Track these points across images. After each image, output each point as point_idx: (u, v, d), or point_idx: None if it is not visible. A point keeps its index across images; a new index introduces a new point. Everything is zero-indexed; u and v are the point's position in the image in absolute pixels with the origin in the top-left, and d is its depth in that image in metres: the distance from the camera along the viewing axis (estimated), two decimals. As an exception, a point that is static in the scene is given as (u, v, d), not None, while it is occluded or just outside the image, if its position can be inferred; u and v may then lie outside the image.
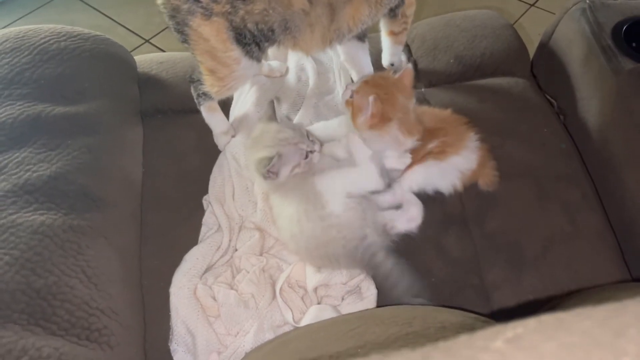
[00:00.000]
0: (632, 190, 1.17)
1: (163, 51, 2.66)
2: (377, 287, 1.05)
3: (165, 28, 2.78)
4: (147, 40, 2.74)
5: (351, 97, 1.13)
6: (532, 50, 1.57)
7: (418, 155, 1.13)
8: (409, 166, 1.13)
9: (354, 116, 1.11)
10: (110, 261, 0.99)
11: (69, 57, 1.22)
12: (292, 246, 1.07)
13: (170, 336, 1.01)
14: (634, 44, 1.29)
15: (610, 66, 1.26)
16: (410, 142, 1.11)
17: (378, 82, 1.13)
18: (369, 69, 1.36)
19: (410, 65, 1.17)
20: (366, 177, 1.06)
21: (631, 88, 1.19)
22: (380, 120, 1.08)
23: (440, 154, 1.14)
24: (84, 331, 0.88)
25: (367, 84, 1.12)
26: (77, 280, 0.92)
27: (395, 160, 1.11)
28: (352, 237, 0.99)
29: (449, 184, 1.15)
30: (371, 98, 1.05)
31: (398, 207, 1.13)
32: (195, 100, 1.24)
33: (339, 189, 1.03)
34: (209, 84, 1.16)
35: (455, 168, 1.14)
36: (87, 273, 0.94)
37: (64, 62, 1.21)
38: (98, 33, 1.32)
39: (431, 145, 1.14)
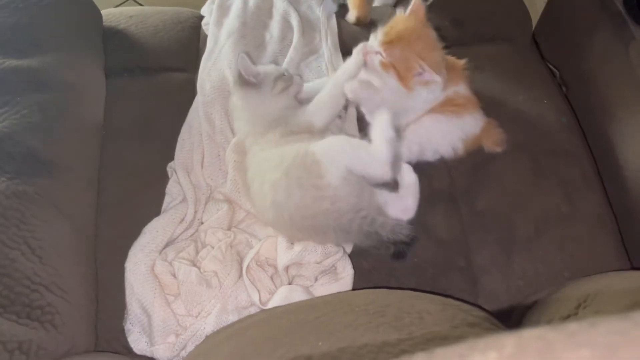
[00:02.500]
0: (636, 171, 1.08)
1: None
2: (354, 268, 0.96)
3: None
4: (130, -4, 2.59)
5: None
6: (535, 18, 1.46)
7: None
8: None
9: (402, 79, 1.01)
10: (59, 232, 0.90)
11: (24, 6, 1.10)
12: (271, 215, 0.96)
13: (125, 315, 0.93)
14: (646, 11, 1.19)
15: (620, 35, 1.16)
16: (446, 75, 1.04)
17: (401, 33, 1.02)
18: None
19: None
20: (376, 162, 0.93)
21: (642, 59, 1.08)
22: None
23: (458, 108, 1.06)
24: (24, 308, 0.80)
25: (394, 40, 1.02)
26: (18, 252, 0.83)
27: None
28: (347, 210, 0.90)
29: (449, 146, 1.07)
30: (426, 67, 0.98)
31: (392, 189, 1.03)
32: None
33: (340, 161, 0.92)
34: None
35: (461, 129, 1.06)
36: (31, 245, 0.85)
37: (19, 10, 1.09)
38: (59, -19, 1.20)
39: (448, 93, 1.06)
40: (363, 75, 1.06)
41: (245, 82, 1.06)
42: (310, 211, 0.91)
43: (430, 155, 1.08)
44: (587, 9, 1.27)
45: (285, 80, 1.07)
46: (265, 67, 1.10)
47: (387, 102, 1.03)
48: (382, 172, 0.93)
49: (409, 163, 1.04)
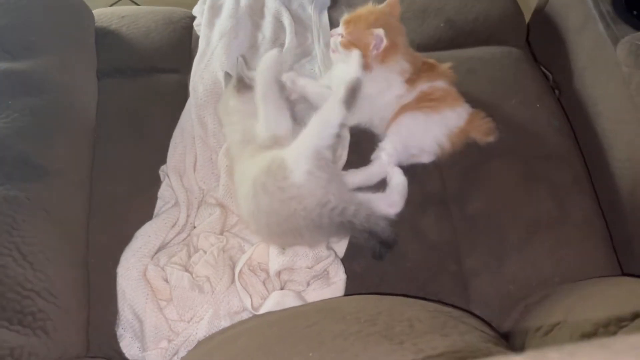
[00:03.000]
0: (623, 169, 1.09)
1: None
2: (346, 272, 0.97)
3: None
4: (127, -5, 2.56)
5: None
6: (529, 18, 1.46)
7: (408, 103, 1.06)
8: (395, 116, 1.06)
9: (365, 53, 1.03)
10: (50, 237, 0.90)
11: (15, 8, 1.10)
12: (253, 226, 0.98)
13: (117, 321, 0.93)
14: (634, 12, 1.20)
15: (607, 33, 1.18)
16: (410, 69, 1.07)
17: (363, 14, 1.06)
18: None
19: None
20: (331, 107, 0.95)
21: (629, 57, 1.09)
22: (391, 47, 1.03)
23: (436, 103, 1.06)
24: (15, 315, 0.80)
25: (355, 20, 1.05)
26: (10, 258, 0.83)
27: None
28: (314, 206, 0.90)
29: (433, 143, 1.06)
30: (381, 31, 1.00)
31: (376, 189, 1.03)
32: None
33: (308, 147, 0.93)
34: None
35: (443, 123, 1.06)
36: (22, 250, 0.85)
37: (10, 12, 1.09)
38: (51, -18, 1.19)
39: (422, 88, 1.07)
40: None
41: (245, 86, 1.06)
42: (281, 216, 0.92)
43: (417, 154, 1.08)
44: (576, 9, 1.28)
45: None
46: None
47: None
48: (338, 112, 0.94)
49: (400, 166, 1.05)
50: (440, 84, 1.08)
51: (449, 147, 1.06)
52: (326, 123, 0.94)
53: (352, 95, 0.95)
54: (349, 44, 1.04)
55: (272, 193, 0.91)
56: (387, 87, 1.07)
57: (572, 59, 1.28)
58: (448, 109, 1.07)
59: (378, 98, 1.07)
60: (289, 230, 0.93)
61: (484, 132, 1.08)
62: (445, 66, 1.11)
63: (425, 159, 1.09)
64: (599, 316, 0.70)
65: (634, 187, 1.07)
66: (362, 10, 1.07)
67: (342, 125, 0.95)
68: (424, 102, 1.06)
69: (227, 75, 1.13)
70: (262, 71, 1.03)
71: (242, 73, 1.06)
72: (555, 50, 1.33)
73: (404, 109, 1.07)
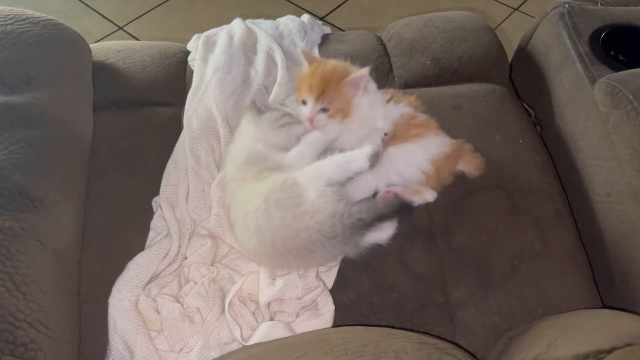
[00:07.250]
0: (602, 203, 1.13)
1: (137, 40, 2.55)
2: (335, 303, 0.99)
3: (142, 15, 2.67)
4: (120, 27, 2.62)
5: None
6: (512, 57, 1.52)
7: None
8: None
9: (345, 113, 1.09)
10: (43, 267, 0.91)
11: (14, 42, 1.13)
12: (254, 243, 0.98)
13: (108, 351, 0.94)
14: (612, 52, 1.26)
15: (585, 73, 1.23)
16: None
17: (322, 78, 1.09)
18: None
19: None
20: (355, 155, 1.01)
21: (605, 97, 1.14)
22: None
23: (423, 129, 1.11)
24: (7, 345, 0.81)
25: (322, 88, 1.08)
26: (3, 289, 0.84)
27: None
28: (326, 219, 0.94)
29: (416, 169, 1.08)
30: (366, 70, 1.07)
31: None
32: None
33: (322, 176, 0.98)
34: None
35: (424, 149, 1.09)
36: (16, 281, 0.86)
37: (8, 47, 1.12)
38: (50, 17, 1.23)
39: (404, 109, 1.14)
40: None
41: (255, 108, 1.11)
42: (291, 231, 0.94)
43: (398, 181, 1.10)
44: (556, 49, 1.33)
45: (291, 117, 1.11)
46: (278, 105, 1.18)
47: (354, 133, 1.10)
48: (363, 163, 0.99)
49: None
50: (412, 111, 1.14)
51: (434, 174, 1.09)
52: (347, 165, 1.00)
53: (377, 157, 1.01)
54: (337, 112, 1.08)
55: (286, 207, 0.95)
56: (371, 107, 1.12)
57: (553, 97, 1.33)
58: (432, 135, 1.11)
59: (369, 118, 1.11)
60: (295, 248, 0.95)
61: (474, 167, 1.13)
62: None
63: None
64: (578, 349, 0.72)
65: (613, 221, 1.11)
66: (311, 78, 1.09)
67: (358, 174, 1.02)
68: (410, 133, 1.10)
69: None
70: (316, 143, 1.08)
71: (256, 99, 1.11)
72: (537, 88, 1.38)
73: (391, 141, 1.09)
